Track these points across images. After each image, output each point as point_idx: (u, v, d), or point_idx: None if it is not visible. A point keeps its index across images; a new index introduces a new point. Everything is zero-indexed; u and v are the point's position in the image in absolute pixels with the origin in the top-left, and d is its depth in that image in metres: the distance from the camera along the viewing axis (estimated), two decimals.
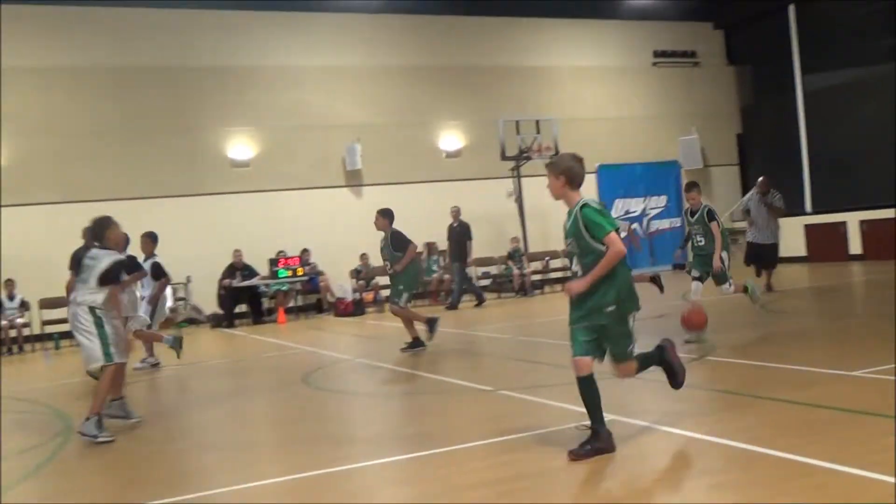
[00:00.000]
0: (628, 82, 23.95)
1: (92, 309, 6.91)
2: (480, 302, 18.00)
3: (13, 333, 16.03)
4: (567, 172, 5.40)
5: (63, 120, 18.17)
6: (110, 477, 6.06)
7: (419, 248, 17.81)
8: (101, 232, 7.28)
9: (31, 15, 17.95)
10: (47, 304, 16.40)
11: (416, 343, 10.92)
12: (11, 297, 16.34)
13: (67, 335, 16.10)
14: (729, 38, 25.65)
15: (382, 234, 11.22)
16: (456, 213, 18.22)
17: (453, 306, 17.49)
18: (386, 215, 11.26)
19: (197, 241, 18.44)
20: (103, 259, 7.07)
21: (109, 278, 7.04)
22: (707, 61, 25.18)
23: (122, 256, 7.33)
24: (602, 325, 5.26)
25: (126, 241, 9.44)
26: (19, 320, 16.18)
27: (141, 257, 11.20)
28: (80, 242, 9.37)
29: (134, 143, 18.58)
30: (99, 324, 6.92)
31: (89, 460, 6.58)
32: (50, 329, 16.44)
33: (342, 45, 20.84)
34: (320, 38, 20.63)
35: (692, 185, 10.53)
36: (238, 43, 19.72)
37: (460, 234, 18.07)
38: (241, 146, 19.70)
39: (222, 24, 19.64)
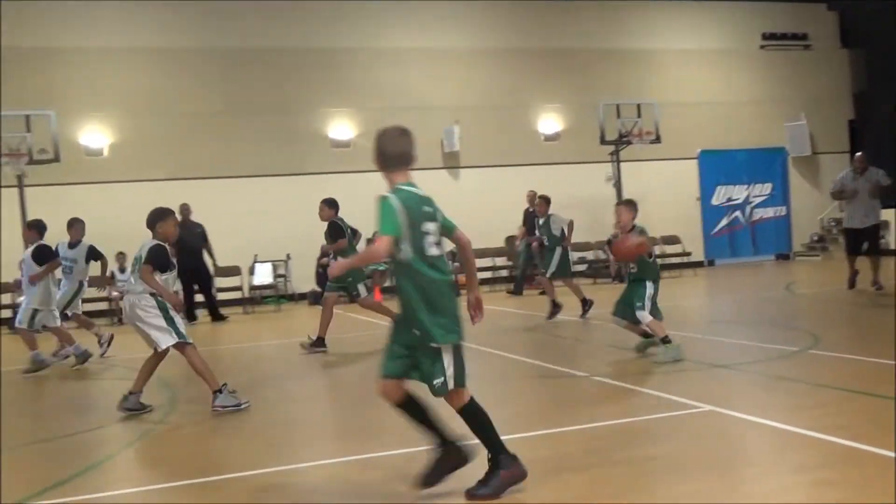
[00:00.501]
0: (734, 66, 23.31)
1: (154, 295, 7.05)
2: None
3: (113, 305, 16.73)
4: (380, 151, 4.63)
5: (171, 101, 18.82)
6: (200, 448, 6.28)
7: (516, 232, 17.83)
8: (153, 223, 7.43)
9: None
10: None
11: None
12: (122, 270, 17.04)
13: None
14: (843, 19, 24.64)
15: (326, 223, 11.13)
16: (532, 197, 17.93)
17: (517, 291, 17.33)
18: (330, 205, 11.24)
19: (296, 220, 18.78)
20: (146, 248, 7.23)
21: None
22: (819, 44, 24.30)
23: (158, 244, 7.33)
24: (412, 345, 4.43)
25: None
26: (116, 294, 16.85)
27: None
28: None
29: (237, 124, 19.12)
30: (163, 307, 7.07)
31: (187, 430, 6.84)
32: None
33: (442, 28, 20.93)
34: (420, 21, 20.74)
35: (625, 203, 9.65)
36: (339, 25, 20.02)
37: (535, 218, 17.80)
38: (341, 127, 20.04)
39: (324, 7, 19.97)
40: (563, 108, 21.66)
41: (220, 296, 17.03)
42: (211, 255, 16.08)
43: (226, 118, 19.05)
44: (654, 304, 8.30)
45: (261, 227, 18.53)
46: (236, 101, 19.17)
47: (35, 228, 10.93)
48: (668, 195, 21.31)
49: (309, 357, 10.41)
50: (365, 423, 6.56)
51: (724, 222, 22.86)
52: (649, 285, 8.31)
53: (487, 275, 19.58)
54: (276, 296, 18.43)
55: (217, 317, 15.80)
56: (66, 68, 18.23)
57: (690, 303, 15.37)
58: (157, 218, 7.43)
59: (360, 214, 18.76)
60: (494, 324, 12.17)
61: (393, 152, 4.61)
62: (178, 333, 7.08)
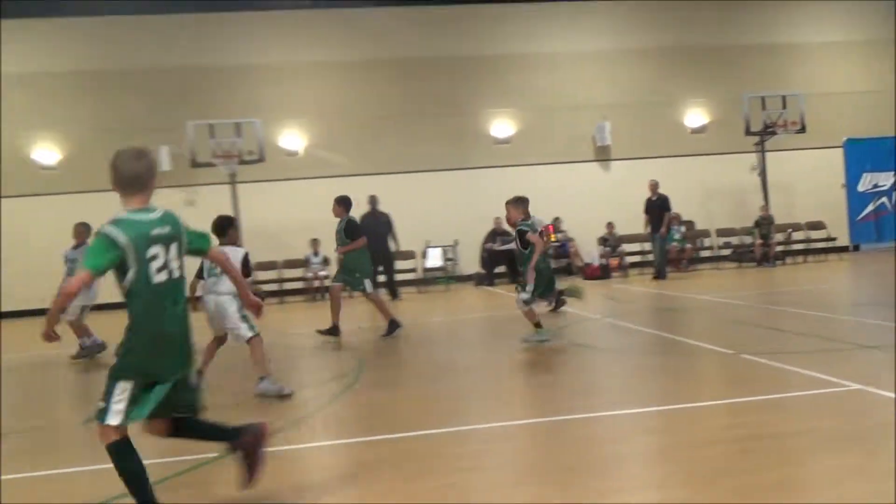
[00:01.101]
0: (877, 55, 21.56)
1: (236, 296, 6.87)
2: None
3: (317, 284, 17.51)
4: (113, 173, 3.80)
5: (357, 106, 19.46)
6: (387, 408, 6.42)
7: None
8: (223, 230, 7.36)
9: (331, 16, 19.34)
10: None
11: (392, 326, 10.16)
12: (316, 254, 17.86)
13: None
14: None
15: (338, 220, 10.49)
16: (654, 186, 17.25)
17: (661, 276, 16.79)
18: (342, 203, 10.60)
19: (463, 209, 19.14)
20: (237, 254, 7.10)
21: (247, 270, 7.30)
22: None
23: (246, 250, 7.42)
24: None
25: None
26: (322, 273, 17.63)
27: None
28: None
29: (412, 125, 19.54)
30: (241, 306, 6.92)
31: (375, 393, 7.08)
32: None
33: (592, 31, 20.55)
34: (571, 26, 20.41)
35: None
36: (500, 32, 20.04)
37: (659, 206, 17.14)
38: (502, 125, 20.09)
39: (487, 16, 20.01)
40: (709, 102, 20.79)
41: (397, 277, 17.50)
42: (395, 240, 16.38)
43: (404, 120, 19.51)
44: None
45: (432, 215, 18.88)
46: (411, 106, 19.60)
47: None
48: (812, 183, 20.15)
49: (469, 332, 10.54)
50: (528, 391, 6.61)
51: (869, 208, 21.33)
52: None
53: (637, 258, 19.19)
54: (446, 277, 18.74)
55: (395, 295, 16.24)
56: (268, 82, 19.18)
57: (836, 286, 14.49)
58: (225, 225, 7.43)
59: None
60: (647, 305, 11.92)
61: (125, 175, 3.78)
62: (252, 327, 7.07)
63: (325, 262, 17.84)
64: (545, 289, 8.87)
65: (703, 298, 12.59)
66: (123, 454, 3.74)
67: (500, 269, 18.71)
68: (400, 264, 17.62)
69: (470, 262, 19.16)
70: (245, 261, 7.25)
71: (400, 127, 19.50)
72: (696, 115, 20.82)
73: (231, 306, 7.06)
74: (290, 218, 18.28)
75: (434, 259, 18.86)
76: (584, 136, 20.14)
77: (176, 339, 3.81)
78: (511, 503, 3.96)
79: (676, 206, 18.18)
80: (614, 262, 18.59)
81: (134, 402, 3.69)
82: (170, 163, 18.30)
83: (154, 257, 3.70)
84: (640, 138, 20.19)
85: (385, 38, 19.70)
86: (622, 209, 18.47)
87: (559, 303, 11.04)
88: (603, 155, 20.32)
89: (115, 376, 3.71)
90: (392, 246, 16.20)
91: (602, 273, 17.93)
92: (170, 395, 3.80)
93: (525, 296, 8.56)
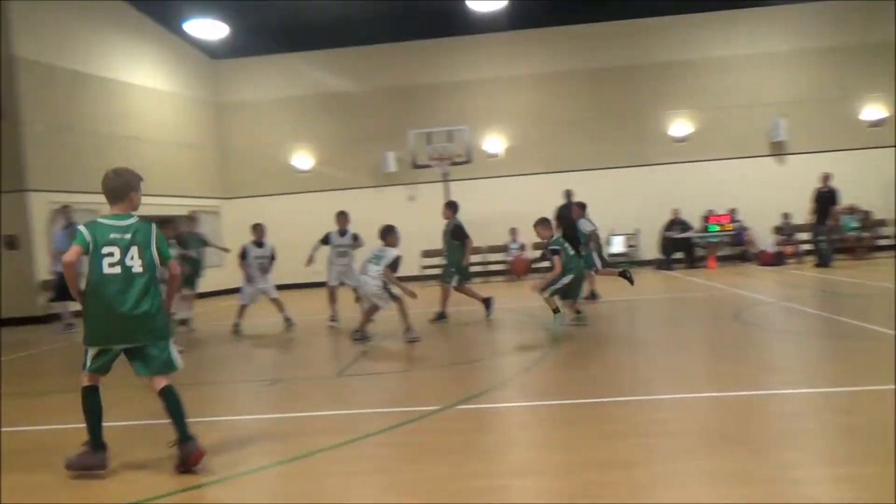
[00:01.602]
0: None
1: (384, 282, 8.47)
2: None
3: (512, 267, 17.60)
4: (103, 189, 4.26)
5: (550, 112, 19.31)
6: (574, 374, 6.35)
7: (839, 208, 15.70)
8: (385, 235, 8.69)
9: (527, 36, 19.26)
10: (539, 246, 17.71)
11: (488, 304, 10.24)
12: (514, 241, 17.97)
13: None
14: None
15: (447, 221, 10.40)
16: (825, 178, 15.45)
17: (824, 264, 15.11)
18: (451, 207, 10.43)
19: (644, 201, 18.49)
20: (390, 254, 8.48)
21: (393, 267, 8.48)
22: None
23: (399, 253, 8.58)
24: None
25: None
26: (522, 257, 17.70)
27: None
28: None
29: (599, 127, 19.08)
30: (386, 287, 8.51)
31: (571, 361, 7.00)
32: (542, 266, 17.81)
33: (767, 34, 18.95)
34: (745, 30, 18.96)
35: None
36: (677, 41, 19.03)
37: (827, 198, 15.33)
38: (680, 125, 19.11)
39: (663, 27, 19.05)
40: (886, 96, 18.55)
41: None
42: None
43: (592, 123, 19.11)
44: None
45: (617, 206, 18.38)
46: (600, 110, 19.14)
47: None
48: None
49: (652, 310, 10.15)
50: (712, 366, 6.27)
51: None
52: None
53: (810, 246, 17.57)
54: (628, 262, 18.18)
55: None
56: (475, 95, 19.51)
57: None
58: (387, 233, 8.68)
59: (694, 196, 18.15)
60: (818, 290, 10.90)
61: (105, 189, 4.26)
62: (392, 297, 8.52)
63: (522, 248, 17.90)
64: (569, 290, 8.65)
65: (875, 285, 11.30)
66: (86, 396, 4.16)
67: (678, 255, 17.89)
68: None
69: (650, 249, 18.46)
70: (395, 262, 8.47)
71: (589, 129, 19.12)
72: (874, 110, 18.66)
73: (371, 287, 8.49)
74: (493, 210, 18.52)
75: (618, 245, 18.37)
76: (758, 133, 18.71)
77: (122, 317, 4.09)
78: (703, 466, 3.77)
79: (854, 197, 16.50)
80: (789, 249, 17.15)
81: (95, 359, 4.16)
82: (395, 165, 19.17)
83: (109, 254, 4.09)
84: (817, 133, 18.44)
85: (574, 52, 19.34)
86: (799, 200, 17.02)
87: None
88: (778, 150, 18.77)
89: (84, 341, 4.21)
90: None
91: (776, 260, 16.61)
92: (139, 359, 4.20)
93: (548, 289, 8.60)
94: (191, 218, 11.52)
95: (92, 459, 4.15)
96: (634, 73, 19.15)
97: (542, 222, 8.81)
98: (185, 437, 4.13)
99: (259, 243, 10.66)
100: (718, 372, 6.13)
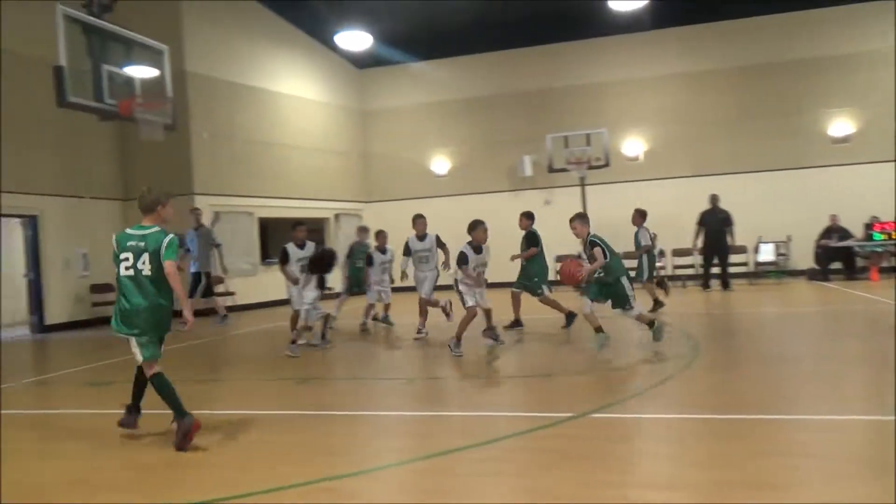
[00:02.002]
0: None
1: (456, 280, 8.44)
2: None
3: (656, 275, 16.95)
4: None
5: (694, 112, 18.55)
6: (714, 387, 6.05)
7: None
8: (470, 229, 8.53)
9: (665, 35, 18.62)
10: (678, 252, 17.08)
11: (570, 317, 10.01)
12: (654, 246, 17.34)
13: (692, 278, 16.67)
14: None
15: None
16: None
17: None
18: (528, 217, 10.51)
19: (797, 207, 17.31)
20: (460, 250, 8.49)
21: (460, 261, 8.45)
22: None
23: (463, 249, 8.39)
24: None
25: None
26: (658, 264, 17.05)
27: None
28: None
29: (746, 128, 18.09)
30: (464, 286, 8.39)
31: (713, 373, 6.72)
32: (679, 272, 17.15)
33: None
34: None
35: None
36: (838, 34, 17.64)
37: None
38: (840, 124, 17.71)
39: (818, 19, 17.73)
40: None
41: (730, 269, 16.38)
42: (732, 235, 15.29)
43: (738, 123, 18.16)
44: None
45: (766, 212, 17.36)
46: (746, 108, 18.15)
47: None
48: None
49: (802, 324, 9.49)
50: (863, 385, 5.80)
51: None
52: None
53: None
54: (778, 271, 17.11)
55: (727, 286, 15.24)
56: (613, 96, 19.12)
57: None
58: (471, 228, 8.57)
59: (855, 201, 16.73)
60: None
61: (138, 204, 5.02)
62: (469, 300, 8.43)
63: (661, 254, 17.30)
64: (599, 294, 8.07)
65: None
66: (157, 382, 4.87)
67: (836, 265, 16.59)
68: (732, 258, 16.47)
69: (803, 258, 17.24)
70: (460, 257, 8.44)
71: (735, 130, 18.16)
72: None
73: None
74: (621, 217, 17.99)
75: (766, 254, 17.32)
76: None
77: (138, 312, 4.81)
78: (846, 495, 3.51)
79: None
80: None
81: (139, 349, 4.89)
82: (532, 169, 19.16)
83: (125, 259, 4.82)
84: None
85: (719, 50, 18.44)
86: None
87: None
88: None
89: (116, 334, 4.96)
90: (728, 240, 15.22)
91: None
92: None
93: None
94: (362, 229, 12.10)
95: (185, 425, 4.70)
96: (785, 70, 17.96)
97: (579, 217, 8.40)
98: (181, 414, 4.71)
99: (382, 249, 11.22)
100: (876, 393, 5.67)
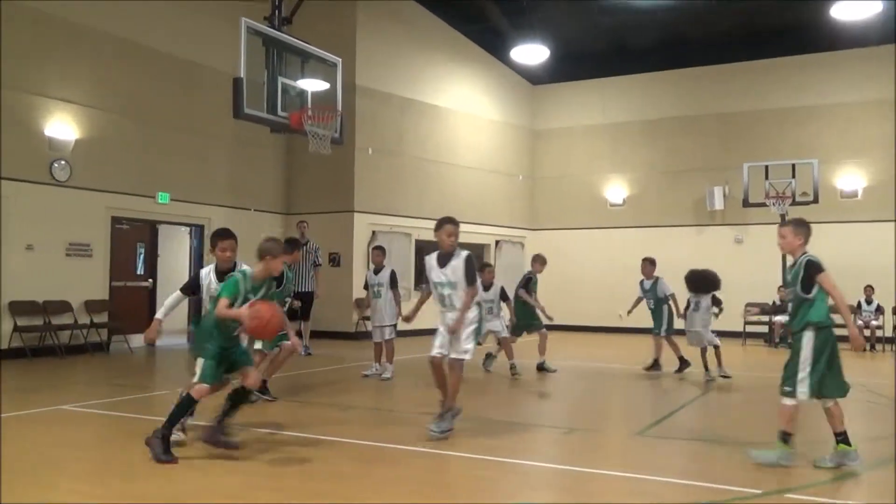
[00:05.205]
0: None
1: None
2: None
3: (867, 333, 15.61)
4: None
5: None
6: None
7: None
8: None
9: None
10: None
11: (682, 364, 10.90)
12: (869, 302, 15.97)
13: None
14: None
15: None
16: None
17: None
18: (652, 264, 11.24)
19: None
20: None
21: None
22: None
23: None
24: None
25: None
26: (874, 322, 15.72)
27: None
28: None
29: None
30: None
31: None
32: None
33: None
34: None
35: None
36: None
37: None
38: None
39: None
40: None
41: None
42: None
43: None
44: None
45: None
46: None
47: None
48: None
49: None
50: None
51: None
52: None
53: None
54: None
55: None
56: (828, 121, 17.95)
57: None
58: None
59: None
60: None
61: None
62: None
63: (879, 310, 15.87)
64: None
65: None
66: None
67: None
68: None
69: None
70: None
71: None
72: None
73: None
74: (842, 262, 16.67)
75: None
76: None
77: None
78: None
79: None
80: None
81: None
82: (722, 202, 18.36)
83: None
84: None
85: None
86: None
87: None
88: None
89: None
90: None
91: None
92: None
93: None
94: (539, 259, 11.68)
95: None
96: None
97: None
98: (166, 430, 5.29)
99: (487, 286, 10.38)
100: None
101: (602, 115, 20.43)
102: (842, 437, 5.37)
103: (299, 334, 13.37)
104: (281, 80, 9.77)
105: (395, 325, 10.05)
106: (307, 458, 5.54)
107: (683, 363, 10.99)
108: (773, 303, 16.30)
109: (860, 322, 15.67)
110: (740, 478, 5.26)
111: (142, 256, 14.84)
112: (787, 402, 5.38)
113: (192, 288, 6.32)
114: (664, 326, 11.15)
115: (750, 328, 16.52)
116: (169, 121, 14.41)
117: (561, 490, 5.10)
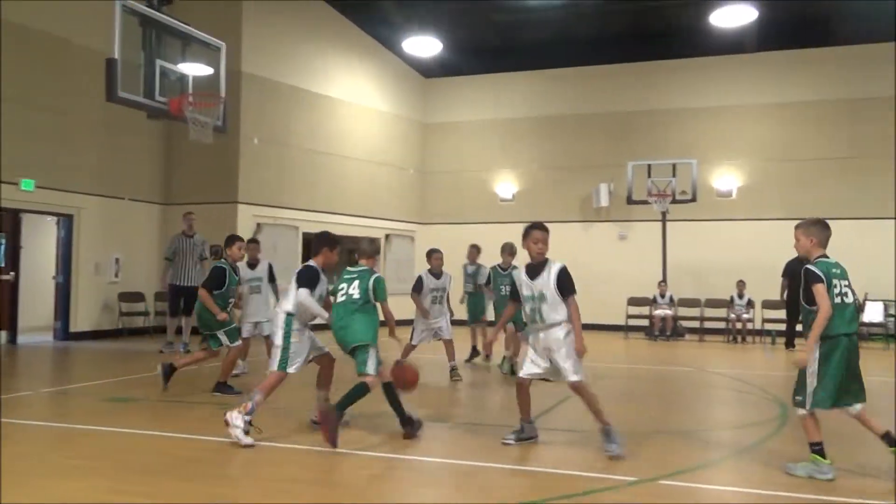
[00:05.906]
0: None
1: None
2: None
3: (739, 326, 16.65)
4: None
5: (794, 148, 18.23)
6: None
7: None
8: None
9: (765, 59, 18.38)
10: (768, 304, 16.64)
11: None
12: (741, 296, 17.02)
13: (781, 333, 16.20)
14: None
15: None
16: None
17: None
18: (478, 250, 12.04)
19: None
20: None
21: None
22: None
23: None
24: None
25: None
26: (745, 316, 16.75)
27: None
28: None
29: (859, 168, 17.64)
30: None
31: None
32: (769, 326, 16.69)
33: None
34: None
35: None
36: None
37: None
38: None
39: None
40: None
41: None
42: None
43: (850, 163, 17.70)
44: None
45: (874, 265, 16.73)
46: (860, 147, 17.68)
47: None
48: None
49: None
50: None
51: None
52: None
53: None
54: (885, 335, 16.48)
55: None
56: (707, 124, 18.94)
57: None
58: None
59: None
60: None
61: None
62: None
63: (750, 304, 16.94)
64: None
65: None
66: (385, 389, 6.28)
67: None
68: None
69: None
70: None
71: (846, 171, 17.72)
72: None
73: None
74: (717, 258, 17.81)
75: (873, 313, 16.72)
76: None
77: (335, 331, 6.28)
78: None
79: None
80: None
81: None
82: (608, 199, 19.08)
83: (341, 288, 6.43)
84: None
85: (835, 78, 18.10)
86: None
87: None
88: None
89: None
90: None
91: None
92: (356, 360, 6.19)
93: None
94: (474, 248, 12.10)
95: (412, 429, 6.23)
96: None
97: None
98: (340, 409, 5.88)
99: (436, 274, 10.07)
100: None
101: (494, 111, 20.80)
102: (818, 448, 5.18)
103: (180, 330, 13.01)
104: (159, 62, 9.44)
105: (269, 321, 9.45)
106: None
107: (475, 352, 11.98)
108: (654, 297, 17.12)
109: (733, 316, 16.69)
110: (619, 466, 5.52)
111: (2, 248, 13.97)
112: (800, 412, 5.25)
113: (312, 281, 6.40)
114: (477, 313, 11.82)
115: (632, 321, 17.27)
116: (35, 101, 13.63)
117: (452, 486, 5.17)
